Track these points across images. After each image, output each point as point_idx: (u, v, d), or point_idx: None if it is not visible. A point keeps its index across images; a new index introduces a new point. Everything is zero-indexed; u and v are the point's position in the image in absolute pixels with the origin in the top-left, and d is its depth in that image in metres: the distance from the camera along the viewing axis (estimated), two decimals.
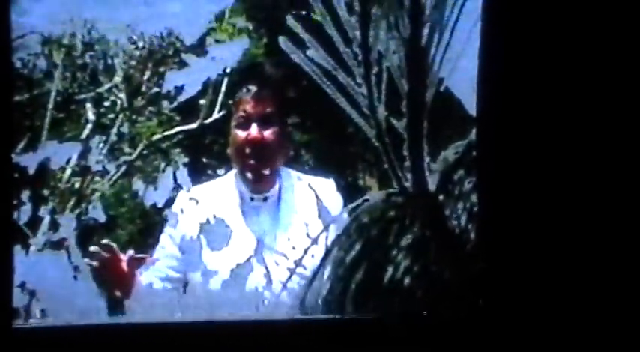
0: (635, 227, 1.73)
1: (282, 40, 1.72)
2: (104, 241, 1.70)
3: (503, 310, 1.71)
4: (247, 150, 1.83)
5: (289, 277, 1.75)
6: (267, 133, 1.84)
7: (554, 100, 1.73)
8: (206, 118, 1.80)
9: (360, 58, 1.74)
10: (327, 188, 1.89)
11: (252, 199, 1.86)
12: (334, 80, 1.74)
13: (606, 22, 1.72)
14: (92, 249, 1.68)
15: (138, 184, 1.73)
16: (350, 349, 1.71)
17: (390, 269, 1.74)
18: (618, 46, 1.72)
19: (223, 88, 1.79)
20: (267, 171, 1.85)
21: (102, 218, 1.72)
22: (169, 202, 1.75)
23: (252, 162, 1.84)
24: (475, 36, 1.73)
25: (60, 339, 1.65)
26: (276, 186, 1.88)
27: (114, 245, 1.70)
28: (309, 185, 1.85)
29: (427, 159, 1.76)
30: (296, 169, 1.94)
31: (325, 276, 1.74)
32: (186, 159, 1.78)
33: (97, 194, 1.72)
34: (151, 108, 1.76)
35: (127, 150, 1.76)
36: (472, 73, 1.73)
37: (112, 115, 1.75)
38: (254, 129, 1.83)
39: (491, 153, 1.73)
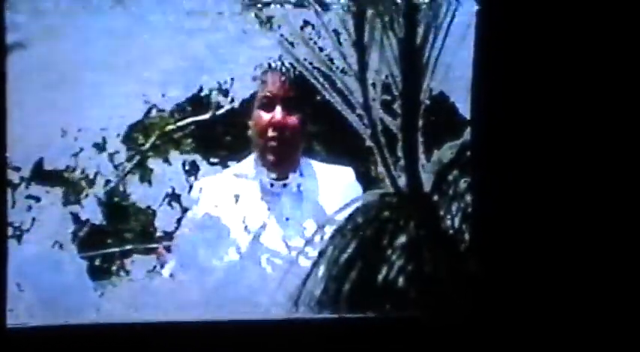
0: (629, 226, 1.74)
1: (276, 40, 1.73)
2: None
3: (497, 311, 1.72)
4: (270, 133, 1.82)
5: (284, 276, 1.74)
6: (292, 118, 1.82)
7: (549, 101, 1.73)
8: (218, 109, 1.80)
9: (354, 57, 1.74)
10: (344, 176, 1.86)
11: (272, 185, 1.84)
12: (329, 80, 1.74)
13: (601, 24, 1.72)
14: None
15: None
16: (344, 349, 1.71)
17: (385, 269, 1.75)
18: (611, 48, 1.73)
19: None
20: (288, 156, 1.84)
21: (98, 216, 1.72)
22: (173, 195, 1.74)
23: (274, 144, 1.81)
24: (470, 36, 1.74)
25: (54, 339, 1.65)
26: (297, 175, 1.86)
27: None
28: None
29: (422, 159, 1.76)
30: (313, 158, 1.92)
31: (319, 276, 1.75)
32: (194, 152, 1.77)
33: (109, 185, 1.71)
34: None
35: (140, 140, 1.75)
36: (467, 73, 1.74)
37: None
38: (279, 113, 1.81)
39: (485, 154, 1.74)
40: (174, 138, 1.78)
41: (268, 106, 1.82)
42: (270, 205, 1.82)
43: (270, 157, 1.82)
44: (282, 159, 1.83)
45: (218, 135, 1.85)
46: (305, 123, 1.84)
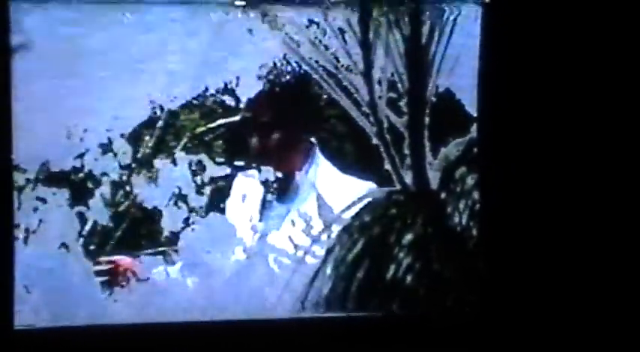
0: (636, 223, 1.74)
1: (282, 39, 1.73)
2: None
3: (505, 308, 1.72)
4: (255, 158, 1.82)
5: (291, 276, 1.74)
6: (271, 141, 1.81)
7: (555, 97, 1.73)
8: (248, 111, 1.79)
9: (360, 55, 1.74)
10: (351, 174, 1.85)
11: (273, 183, 1.82)
12: (334, 78, 1.74)
13: (605, 21, 1.72)
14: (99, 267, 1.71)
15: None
16: (352, 347, 1.71)
17: (392, 268, 1.74)
18: (616, 44, 1.73)
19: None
20: (281, 171, 1.82)
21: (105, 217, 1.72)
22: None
23: (263, 165, 1.82)
24: (476, 33, 1.74)
25: (61, 340, 1.65)
26: (303, 173, 1.85)
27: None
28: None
29: (428, 156, 1.76)
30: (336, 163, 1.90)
31: (327, 275, 1.74)
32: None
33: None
34: (194, 101, 1.75)
35: (172, 143, 1.75)
36: (473, 70, 1.74)
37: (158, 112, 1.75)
38: (255, 142, 1.80)
39: (492, 150, 1.74)
40: (205, 140, 1.77)
41: (248, 132, 1.80)
42: (276, 204, 1.81)
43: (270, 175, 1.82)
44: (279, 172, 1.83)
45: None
46: (295, 138, 1.83)
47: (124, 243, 1.73)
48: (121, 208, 1.73)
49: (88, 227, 1.72)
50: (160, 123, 1.74)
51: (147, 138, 1.73)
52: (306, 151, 1.85)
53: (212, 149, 1.77)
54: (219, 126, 1.77)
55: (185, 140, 1.75)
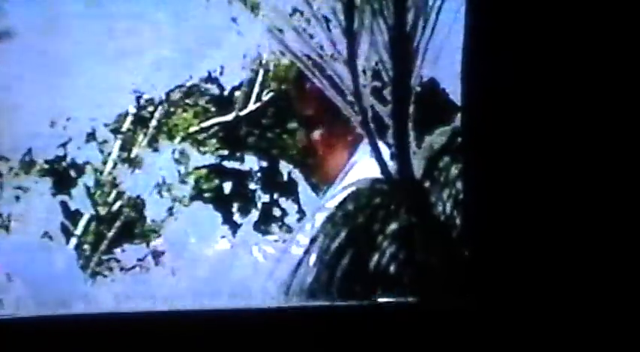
0: (620, 212, 1.74)
1: (265, 28, 1.72)
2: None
3: (488, 297, 1.72)
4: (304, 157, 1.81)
5: (275, 265, 1.74)
6: (315, 136, 1.81)
7: (540, 87, 1.73)
8: (242, 110, 1.79)
9: (344, 44, 1.73)
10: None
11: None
12: (319, 67, 1.74)
13: (591, 11, 1.72)
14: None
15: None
16: (335, 336, 1.71)
17: (376, 256, 1.75)
18: (603, 34, 1.72)
19: (259, 79, 1.77)
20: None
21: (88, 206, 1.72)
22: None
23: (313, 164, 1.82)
24: (460, 21, 1.73)
25: (44, 329, 1.65)
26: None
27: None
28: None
29: (412, 145, 1.76)
30: None
31: (311, 264, 1.74)
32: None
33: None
34: (187, 100, 1.76)
35: (165, 142, 1.76)
36: (457, 59, 1.73)
37: (150, 108, 1.75)
38: (301, 135, 1.81)
39: (476, 140, 1.73)
40: (199, 139, 1.78)
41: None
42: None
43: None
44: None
45: (242, 135, 1.83)
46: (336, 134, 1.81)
47: (107, 232, 1.73)
48: (104, 198, 1.73)
49: (71, 217, 1.72)
50: (154, 122, 1.75)
51: (140, 137, 1.73)
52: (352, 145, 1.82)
53: (206, 147, 1.78)
54: (213, 125, 1.77)
55: (178, 140, 1.75)
